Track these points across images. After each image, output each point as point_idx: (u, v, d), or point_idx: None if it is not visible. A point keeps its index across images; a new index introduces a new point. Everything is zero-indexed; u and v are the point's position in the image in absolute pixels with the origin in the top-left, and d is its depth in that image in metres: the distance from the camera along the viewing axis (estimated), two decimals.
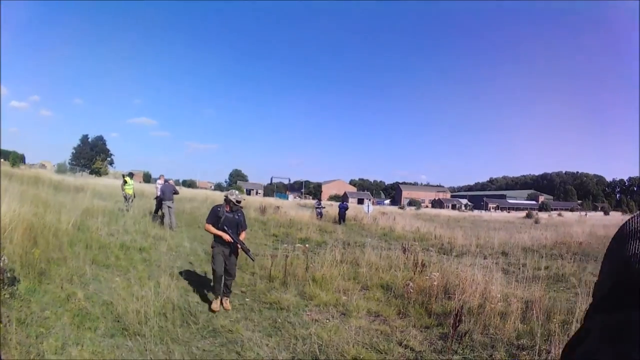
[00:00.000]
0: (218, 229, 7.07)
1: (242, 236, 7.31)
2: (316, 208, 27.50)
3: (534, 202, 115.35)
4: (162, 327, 5.52)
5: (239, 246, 7.17)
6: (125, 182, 17.75)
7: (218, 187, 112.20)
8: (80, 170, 76.97)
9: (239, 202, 7.32)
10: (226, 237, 7.00)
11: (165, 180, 16.61)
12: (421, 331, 6.58)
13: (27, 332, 4.62)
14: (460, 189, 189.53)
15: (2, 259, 5.43)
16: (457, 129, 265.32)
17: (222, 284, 7.09)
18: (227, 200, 7.29)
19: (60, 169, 65.81)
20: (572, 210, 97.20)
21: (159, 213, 15.84)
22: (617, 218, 43.76)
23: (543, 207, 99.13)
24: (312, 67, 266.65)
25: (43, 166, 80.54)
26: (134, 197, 18.00)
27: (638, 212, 0.81)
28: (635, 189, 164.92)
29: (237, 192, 7.59)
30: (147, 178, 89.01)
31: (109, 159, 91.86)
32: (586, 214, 69.07)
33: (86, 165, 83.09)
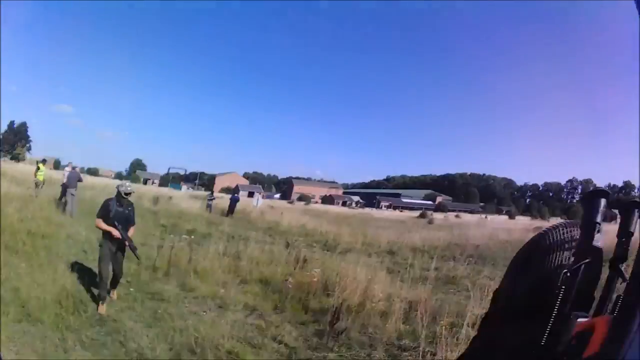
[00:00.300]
0: (108, 224, 6.91)
1: (131, 232, 7.20)
2: (208, 200, 27.62)
3: (430, 202, 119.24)
4: (57, 314, 5.82)
5: (127, 244, 7.06)
6: (38, 168, 17.91)
7: (118, 176, 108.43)
8: (3, 156, 73.80)
9: (127, 194, 7.17)
10: (115, 233, 6.84)
11: (73, 168, 16.79)
12: (296, 327, 6.81)
13: None
14: (355, 185, 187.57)
15: None
16: (356, 125, 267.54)
17: (108, 286, 7.00)
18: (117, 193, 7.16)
19: None
20: (472, 212, 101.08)
21: (62, 200, 15.99)
22: (523, 222, 42.57)
23: (440, 208, 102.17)
24: (225, 58, 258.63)
25: None
26: (44, 183, 18.08)
27: (562, 221, 0.83)
28: (550, 194, 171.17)
29: (127, 183, 7.47)
30: (57, 165, 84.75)
31: (27, 145, 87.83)
32: (486, 217, 69.56)
33: (8, 151, 79.45)
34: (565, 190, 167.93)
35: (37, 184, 17.62)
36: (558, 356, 0.56)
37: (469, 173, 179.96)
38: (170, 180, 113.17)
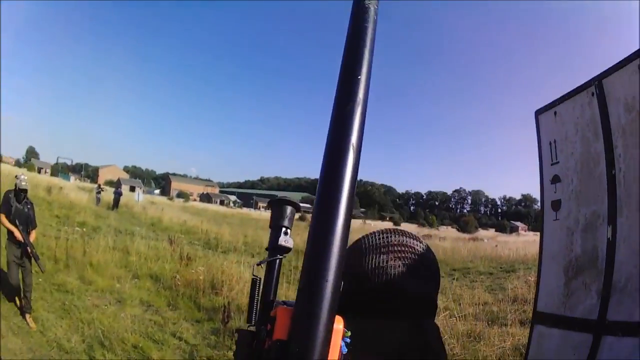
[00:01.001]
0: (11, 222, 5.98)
1: (32, 237, 6.25)
2: (96, 193, 27.43)
3: (309, 205, 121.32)
4: None
5: (29, 249, 6.10)
6: None
7: (18, 163, 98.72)
8: None
9: (24, 190, 6.13)
10: (17, 234, 5.94)
11: None
12: (192, 324, 7.04)
13: None
14: (229, 185, 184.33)
15: None
16: (229, 124, 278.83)
17: (22, 297, 6.18)
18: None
19: None
20: (353, 217, 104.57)
21: None
22: (411, 230, 46.93)
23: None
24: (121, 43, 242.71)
25: None
26: None
27: (383, 229, 0.99)
28: (436, 203, 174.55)
29: (23, 176, 6.34)
30: None
31: None
32: (366, 222, 72.83)
33: None
34: (453, 199, 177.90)
35: None
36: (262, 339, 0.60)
37: None
38: (60, 170, 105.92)
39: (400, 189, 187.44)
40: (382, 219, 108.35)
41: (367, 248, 0.93)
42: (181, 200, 75.25)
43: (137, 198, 30.20)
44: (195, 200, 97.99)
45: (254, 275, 0.76)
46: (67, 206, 20.13)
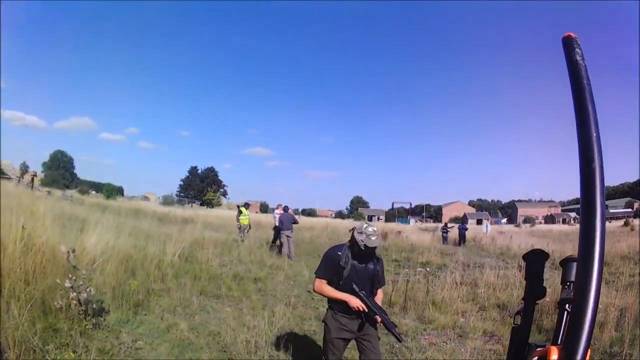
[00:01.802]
0: (339, 288, 3.96)
1: (379, 297, 4.22)
2: (442, 232, 27.34)
3: (630, 210, 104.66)
4: (272, 356, 5.33)
5: (379, 318, 3.92)
6: (240, 212, 17.43)
7: (339, 214, 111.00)
8: (190, 201, 78.22)
9: (372, 246, 3.87)
10: (355, 303, 3.84)
11: (284, 209, 15.95)
12: None
13: None
14: (569, 202, 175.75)
15: (88, 290, 5.28)
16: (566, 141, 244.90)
17: None
18: (355, 240, 3.95)
19: (167, 201, 65.40)
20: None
21: (277, 243, 15.79)
22: None
23: (638, 214, 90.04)
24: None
25: (146, 198, 78.91)
26: (250, 227, 17.69)
27: None
28: None
29: (372, 225, 4.03)
30: (264, 208, 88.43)
31: (221, 189, 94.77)
32: None
33: (196, 197, 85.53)
34: None
35: (241, 228, 17.15)
36: None
37: None
38: (396, 214, 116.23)
39: None
40: None
41: None
42: (527, 225, 73.75)
43: (485, 229, 29.60)
44: (540, 222, 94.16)
45: (514, 324, 1.14)
46: (407, 249, 19.89)
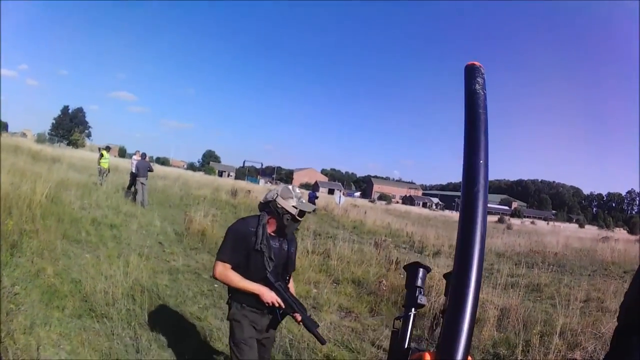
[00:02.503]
0: (247, 275, 3.10)
1: (291, 285, 3.44)
2: None
3: (506, 207, 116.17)
4: (129, 310, 5.22)
5: (299, 317, 3.13)
6: (101, 155, 17.61)
7: (191, 166, 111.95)
8: (59, 141, 76.53)
9: (309, 210, 3.28)
10: (270, 297, 3.06)
11: (142, 157, 16.15)
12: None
13: None
14: (432, 187, 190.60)
15: None
16: (429, 127, 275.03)
17: None
18: (284, 210, 3.22)
19: (40, 139, 64.57)
20: (545, 219, 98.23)
21: (132, 189, 15.76)
22: (592, 232, 42.98)
23: (516, 214, 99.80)
24: (297, 55, 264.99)
25: (24, 135, 78.43)
26: (109, 171, 17.91)
27: None
28: (613, 204, 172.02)
29: (298, 190, 3.35)
30: (123, 153, 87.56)
31: (87, 131, 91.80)
32: (555, 224, 69.02)
33: (64, 136, 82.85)
34: (625, 201, 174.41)
35: (100, 172, 17.43)
36: None
37: (540, 180, 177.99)
38: (246, 173, 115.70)
39: (585, 190, 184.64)
40: (569, 220, 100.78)
41: None
42: (383, 202, 76.53)
43: (338, 200, 28.99)
44: (397, 202, 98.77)
45: (393, 328, 1.19)
46: (256, 209, 19.78)
